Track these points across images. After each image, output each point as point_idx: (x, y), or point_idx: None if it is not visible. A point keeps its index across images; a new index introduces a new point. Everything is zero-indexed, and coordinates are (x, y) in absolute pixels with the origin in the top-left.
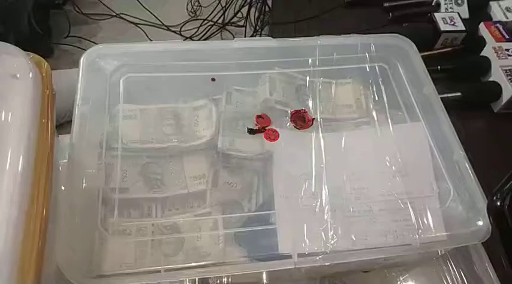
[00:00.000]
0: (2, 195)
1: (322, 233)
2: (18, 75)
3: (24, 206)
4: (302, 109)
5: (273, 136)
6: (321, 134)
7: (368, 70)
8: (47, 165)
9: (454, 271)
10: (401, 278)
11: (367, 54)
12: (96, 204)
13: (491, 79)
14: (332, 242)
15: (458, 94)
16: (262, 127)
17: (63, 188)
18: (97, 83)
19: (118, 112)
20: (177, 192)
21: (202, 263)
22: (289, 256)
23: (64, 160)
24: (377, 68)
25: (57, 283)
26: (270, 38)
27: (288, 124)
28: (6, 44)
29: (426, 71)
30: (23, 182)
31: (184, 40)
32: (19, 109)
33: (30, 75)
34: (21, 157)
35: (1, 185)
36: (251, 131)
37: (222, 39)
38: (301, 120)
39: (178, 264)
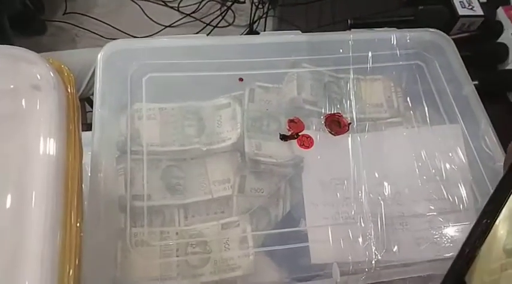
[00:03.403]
0: (33, 220)
1: (364, 247)
2: (40, 85)
3: (56, 231)
4: (337, 113)
5: (307, 143)
6: (357, 138)
7: (403, 67)
8: (78, 184)
9: None
10: None
11: (402, 51)
12: (116, 212)
13: (509, 67)
14: (375, 258)
15: (475, 82)
16: (295, 133)
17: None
18: (115, 82)
19: (136, 112)
20: (201, 198)
21: (234, 277)
22: (326, 274)
23: None
24: (413, 65)
25: None
26: (299, 31)
27: (322, 129)
28: (25, 50)
29: (465, 69)
30: (54, 207)
31: (183, 17)
32: (45, 121)
33: (53, 84)
34: (50, 181)
35: (31, 211)
36: (283, 137)
37: (223, 17)
38: (336, 124)
39: (207, 276)
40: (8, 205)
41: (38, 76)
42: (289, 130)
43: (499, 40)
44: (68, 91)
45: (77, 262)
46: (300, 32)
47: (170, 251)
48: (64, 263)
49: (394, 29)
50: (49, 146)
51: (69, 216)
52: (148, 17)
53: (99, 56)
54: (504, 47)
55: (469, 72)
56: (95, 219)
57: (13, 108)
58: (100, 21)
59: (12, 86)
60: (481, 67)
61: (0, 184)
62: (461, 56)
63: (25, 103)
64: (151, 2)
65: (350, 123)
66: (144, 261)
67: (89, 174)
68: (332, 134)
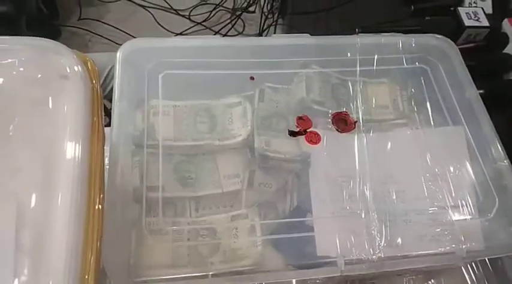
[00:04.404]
0: (61, 199)
1: (367, 239)
2: (67, 75)
3: (82, 208)
4: (344, 111)
5: (314, 139)
6: (364, 137)
7: (408, 70)
8: (100, 168)
9: (483, 275)
10: (429, 282)
11: (408, 55)
12: (132, 203)
13: None
14: (378, 249)
15: (481, 91)
16: (303, 129)
17: None
18: (133, 79)
19: (151, 108)
20: (211, 191)
21: (243, 266)
22: (333, 263)
23: None
24: (418, 69)
25: None
26: (308, 35)
27: (330, 126)
28: (54, 41)
29: (468, 74)
30: (80, 185)
31: (194, 25)
32: (71, 111)
33: (80, 75)
34: (77, 160)
35: (59, 189)
36: (292, 133)
37: (232, 26)
38: (342, 122)
39: (217, 265)
40: (35, 190)
41: (66, 67)
42: (297, 127)
43: (505, 51)
44: (92, 83)
45: (98, 245)
46: (309, 35)
47: (181, 240)
48: (87, 250)
49: (400, 34)
50: (75, 136)
51: (92, 202)
52: (159, 24)
53: (118, 53)
54: (509, 57)
55: (474, 81)
56: (112, 208)
57: (41, 96)
58: (113, 27)
59: (40, 75)
60: (487, 77)
61: (28, 165)
62: (467, 66)
63: (53, 92)
64: (163, 10)
65: (356, 121)
66: (157, 249)
67: (107, 166)
68: (339, 131)
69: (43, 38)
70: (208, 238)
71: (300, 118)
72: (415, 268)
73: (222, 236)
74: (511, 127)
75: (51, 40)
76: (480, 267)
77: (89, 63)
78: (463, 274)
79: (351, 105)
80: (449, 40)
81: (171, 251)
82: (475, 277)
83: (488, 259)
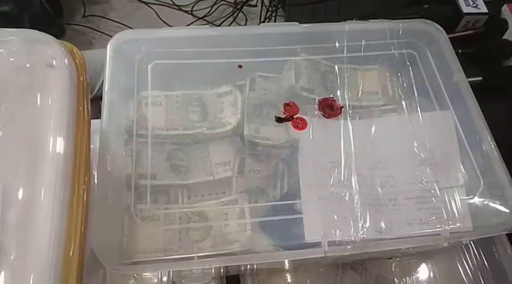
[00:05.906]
0: (45, 180)
1: (352, 222)
2: (54, 64)
3: (66, 190)
4: (330, 97)
5: (301, 124)
6: (349, 122)
7: (396, 56)
8: (85, 152)
9: (474, 259)
10: (420, 266)
11: (395, 40)
12: (124, 190)
13: None
14: (362, 231)
15: (479, 78)
16: (290, 115)
17: (94, 173)
18: (124, 70)
19: (143, 99)
20: (203, 179)
21: (232, 250)
22: (318, 245)
23: (91, 146)
24: (405, 54)
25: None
26: (297, 23)
27: (316, 112)
28: (41, 33)
29: (456, 58)
30: (64, 167)
31: (196, 20)
32: (57, 98)
33: (66, 64)
34: (61, 144)
35: (44, 170)
36: (279, 119)
37: (234, 19)
38: (329, 108)
39: (207, 249)
40: (20, 172)
41: (52, 56)
42: (284, 113)
43: (504, 37)
44: (78, 73)
45: (82, 226)
46: (298, 23)
47: (173, 224)
48: (71, 228)
49: (388, 20)
50: (59, 123)
51: (76, 183)
52: (162, 20)
53: (108, 45)
54: (509, 43)
55: (473, 68)
56: (103, 196)
57: (28, 85)
58: (117, 24)
59: (27, 65)
60: (486, 63)
61: (13, 149)
62: (466, 52)
63: (40, 81)
64: (165, 6)
65: (342, 107)
66: (149, 235)
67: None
68: (325, 117)
69: (31, 29)
70: (200, 223)
71: (287, 104)
72: (399, 249)
73: (213, 223)
74: (509, 113)
75: (39, 31)
76: (472, 252)
77: (75, 53)
78: (455, 259)
79: (339, 91)
80: (437, 25)
81: (162, 236)
82: (466, 262)
83: (480, 244)
